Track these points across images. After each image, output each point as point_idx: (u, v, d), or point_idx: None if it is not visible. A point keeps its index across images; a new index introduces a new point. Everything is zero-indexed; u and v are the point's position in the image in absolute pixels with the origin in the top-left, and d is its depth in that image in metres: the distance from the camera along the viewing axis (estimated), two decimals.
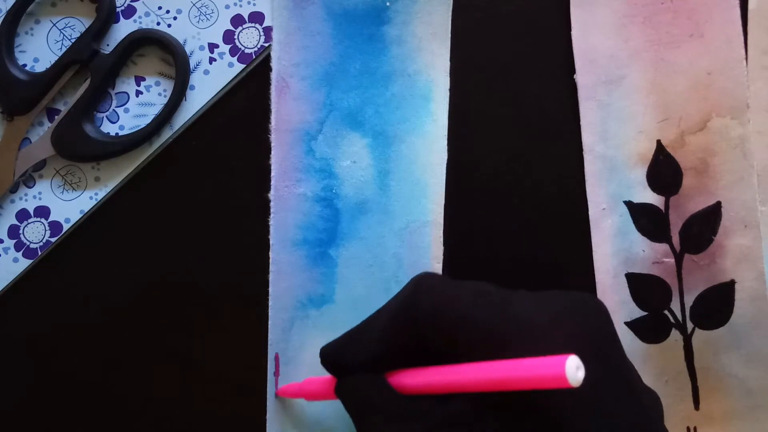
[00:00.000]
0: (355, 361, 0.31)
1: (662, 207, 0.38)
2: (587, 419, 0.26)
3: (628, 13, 0.38)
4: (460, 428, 0.27)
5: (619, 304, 0.38)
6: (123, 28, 0.39)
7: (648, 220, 0.38)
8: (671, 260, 0.38)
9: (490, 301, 0.28)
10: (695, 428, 0.38)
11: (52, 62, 0.39)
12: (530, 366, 0.24)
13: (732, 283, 0.38)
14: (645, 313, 0.38)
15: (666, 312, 0.38)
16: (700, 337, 0.38)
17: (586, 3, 0.38)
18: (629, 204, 0.38)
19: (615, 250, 0.38)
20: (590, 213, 0.38)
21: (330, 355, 0.32)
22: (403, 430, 0.27)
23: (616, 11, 0.38)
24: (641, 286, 0.38)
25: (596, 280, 0.38)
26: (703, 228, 0.38)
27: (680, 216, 0.38)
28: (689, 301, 0.38)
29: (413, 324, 0.28)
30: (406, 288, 0.30)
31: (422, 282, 0.30)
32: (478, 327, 0.27)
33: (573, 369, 0.23)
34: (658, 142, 0.38)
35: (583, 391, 0.24)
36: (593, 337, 0.27)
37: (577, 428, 0.25)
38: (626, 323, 0.38)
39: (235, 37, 0.39)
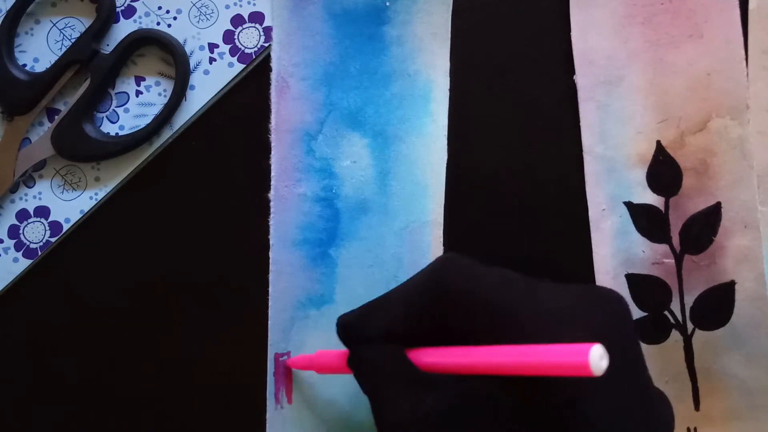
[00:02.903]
0: (371, 334, 0.30)
1: (662, 207, 0.38)
2: (600, 410, 0.26)
3: (627, 14, 0.38)
4: (475, 406, 0.26)
5: None
6: (123, 28, 0.39)
7: (648, 221, 0.38)
8: (671, 261, 0.38)
9: (515, 286, 0.28)
10: (695, 429, 0.38)
11: (52, 62, 0.39)
12: (554, 352, 0.24)
13: (732, 283, 0.37)
14: (645, 314, 0.38)
15: (666, 312, 0.38)
16: (700, 337, 0.38)
17: (585, 4, 0.38)
18: (629, 205, 0.38)
19: (615, 251, 0.38)
20: (590, 214, 0.38)
21: (347, 326, 0.32)
22: (417, 402, 0.27)
23: (615, 12, 0.38)
24: (641, 286, 0.38)
25: (596, 281, 0.38)
26: (703, 228, 0.38)
27: (680, 216, 0.38)
28: (689, 301, 0.38)
29: (437, 301, 0.28)
30: (430, 266, 0.30)
31: (449, 261, 0.29)
32: (502, 310, 0.27)
33: (597, 358, 0.23)
34: (658, 142, 0.38)
35: (598, 381, 0.24)
36: (613, 330, 0.27)
37: (589, 418, 0.25)
38: None
39: (235, 37, 0.39)
